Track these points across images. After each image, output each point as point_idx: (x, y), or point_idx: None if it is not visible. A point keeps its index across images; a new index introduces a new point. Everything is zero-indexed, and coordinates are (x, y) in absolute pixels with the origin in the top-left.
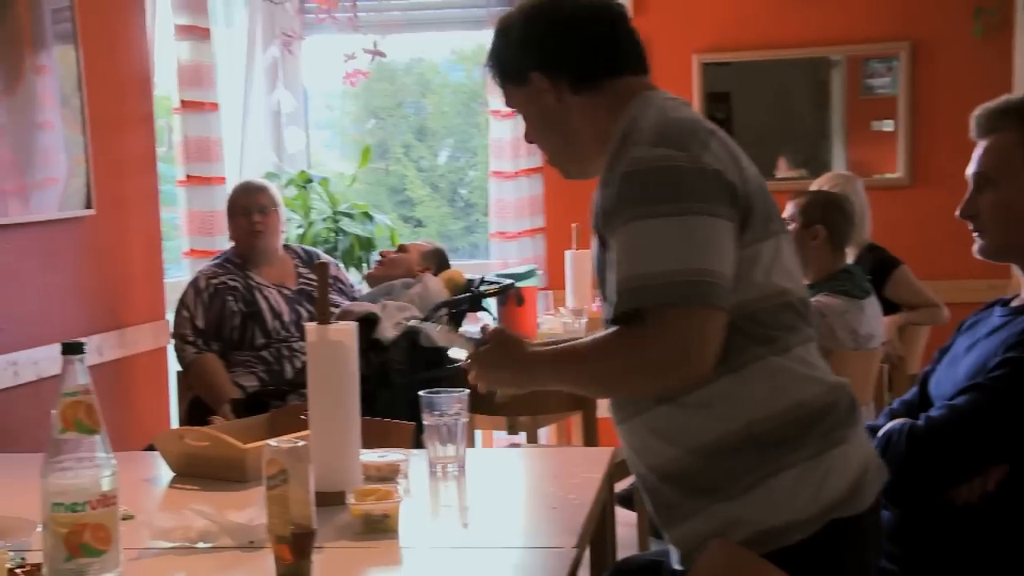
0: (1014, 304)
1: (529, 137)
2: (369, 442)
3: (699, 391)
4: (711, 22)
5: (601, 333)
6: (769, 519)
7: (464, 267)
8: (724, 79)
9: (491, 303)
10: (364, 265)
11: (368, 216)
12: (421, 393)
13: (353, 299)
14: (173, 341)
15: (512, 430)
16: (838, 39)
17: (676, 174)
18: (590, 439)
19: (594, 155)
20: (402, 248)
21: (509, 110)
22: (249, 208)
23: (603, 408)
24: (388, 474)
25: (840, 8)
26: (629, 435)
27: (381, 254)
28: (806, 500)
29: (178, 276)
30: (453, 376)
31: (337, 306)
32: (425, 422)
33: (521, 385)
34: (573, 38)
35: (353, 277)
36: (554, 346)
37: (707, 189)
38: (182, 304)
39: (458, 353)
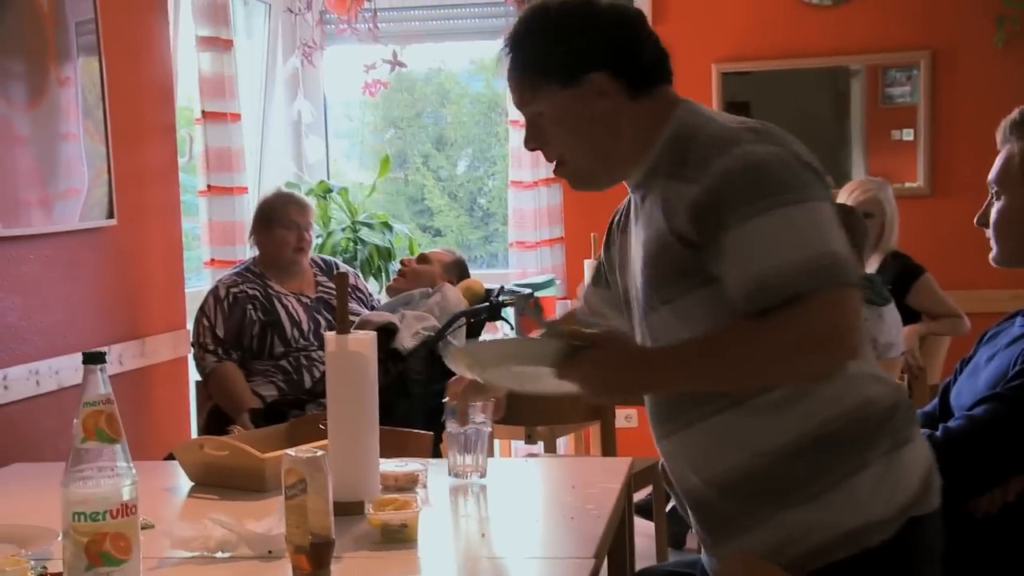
0: None
1: (531, 144)
2: (387, 451)
3: (770, 392)
4: (730, 31)
5: (733, 323)
6: (846, 521)
7: (483, 277)
8: (743, 88)
9: (510, 313)
10: (383, 275)
11: (387, 226)
12: (447, 400)
13: (372, 308)
14: (193, 350)
15: (530, 440)
16: (857, 48)
17: (787, 167)
18: (608, 449)
19: (627, 162)
20: (423, 257)
21: None
22: (300, 224)
23: (621, 418)
24: (407, 484)
25: (859, 17)
26: (683, 446)
27: (402, 262)
28: (883, 499)
29: (199, 286)
30: None
31: (356, 315)
32: (449, 430)
33: (636, 387)
34: (643, 41)
35: (372, 287)
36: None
37: (813, 178)
38: (202, 313)
39: (529, 368)
